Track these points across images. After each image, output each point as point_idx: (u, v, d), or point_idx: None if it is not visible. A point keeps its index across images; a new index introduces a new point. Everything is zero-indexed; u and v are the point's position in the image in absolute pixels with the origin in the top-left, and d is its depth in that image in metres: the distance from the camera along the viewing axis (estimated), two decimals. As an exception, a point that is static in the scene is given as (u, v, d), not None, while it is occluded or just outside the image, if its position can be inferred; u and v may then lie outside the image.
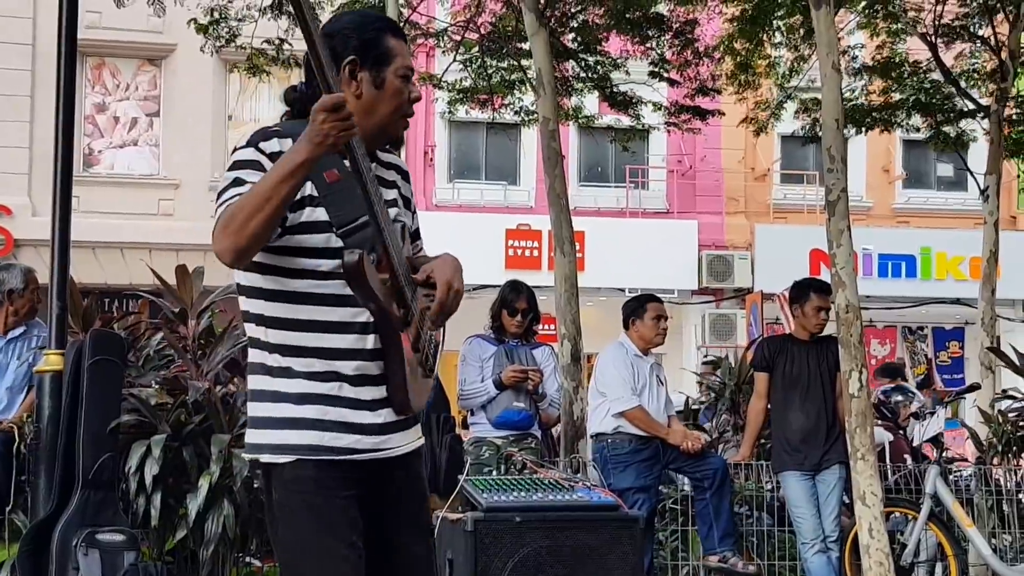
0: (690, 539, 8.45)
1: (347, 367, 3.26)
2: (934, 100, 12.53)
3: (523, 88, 12.45)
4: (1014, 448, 9.86)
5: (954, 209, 21.06)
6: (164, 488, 6.87)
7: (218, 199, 3.17)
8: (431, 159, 20.51)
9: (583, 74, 12.57)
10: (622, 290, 17.82)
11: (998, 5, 11.50)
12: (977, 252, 12.04)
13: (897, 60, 12.59)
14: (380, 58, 3.29)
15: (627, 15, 11.74)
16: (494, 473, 7.26)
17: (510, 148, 20.52)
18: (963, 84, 12.34)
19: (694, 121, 13.62)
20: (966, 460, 9.98)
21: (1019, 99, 12.60)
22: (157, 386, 7.50)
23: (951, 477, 9.18)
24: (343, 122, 2.92)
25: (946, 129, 12.82)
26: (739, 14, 12.29)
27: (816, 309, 8.27)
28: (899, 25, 12.17)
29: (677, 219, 21.20)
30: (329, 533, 3.20)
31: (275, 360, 3.27)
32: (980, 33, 11.97)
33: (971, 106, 12.22)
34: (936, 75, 12.25)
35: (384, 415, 3.31)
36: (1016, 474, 9.42)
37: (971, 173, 12.99)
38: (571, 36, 12.12)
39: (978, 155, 13.44)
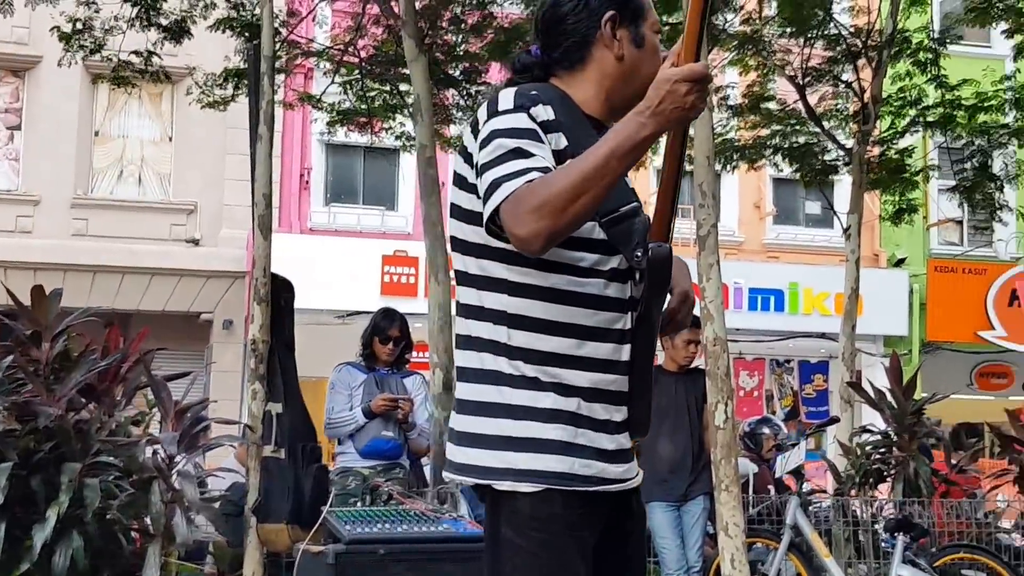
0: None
1: (603, 381, 2.82)
2: (796, 142, 12.70)
3: (403, 113, 12.27)
4: (871, 480, 10.01)
5: (821, 246, 21.36)
6: (10, 519, 6.44)
7: (489, 169, 2.69)
8: (307, 181, 20.10)
9: (463, 103, 12.41)
10: None
11: (861, 52, 11.69)
12: (841, 288, 12.20)
13: (766, 98, 12.73)
14: (637, 11, 2.91)
15: (508, 47, 11.68)
16: (359, 504, 7.10)
17: (389, 173, 20.18)
18: (828, 125, 12.51)
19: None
20: (825, 492, 10.05)
21: (881, 141, 12.80)
22: (5, 411, 7.17)
23: (811, 508, 9.24)
24: (706, 95, 2.57)
25: (812, 168, 12.95)
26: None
27: (686, 342, 8.25)
28: (768, 65, 12.29)
29: (559, 248, 21.22)
30: None
31: (518, 368, 2.79)
32: (844, 77, 12.15)
33: (834, 147, 12.40)
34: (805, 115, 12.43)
35: (625, 439, 2.88)
36: (872, 505, 9.52)
37: (835, 212, 13.16)
38: (453, 64, 12.00)
39: (843, 194, 13.65)
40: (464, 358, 2.90)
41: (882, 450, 10.35)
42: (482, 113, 2.84)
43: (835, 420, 10.62)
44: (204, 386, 14.47)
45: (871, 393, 10.56)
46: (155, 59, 11.57)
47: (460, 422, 2.88)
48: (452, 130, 13.33)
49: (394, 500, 6.94)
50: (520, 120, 2.74)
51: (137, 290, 18.75)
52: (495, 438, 2.77)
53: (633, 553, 3.00)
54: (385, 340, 7.90)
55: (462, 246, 2.90)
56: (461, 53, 11.87)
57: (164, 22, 11.24)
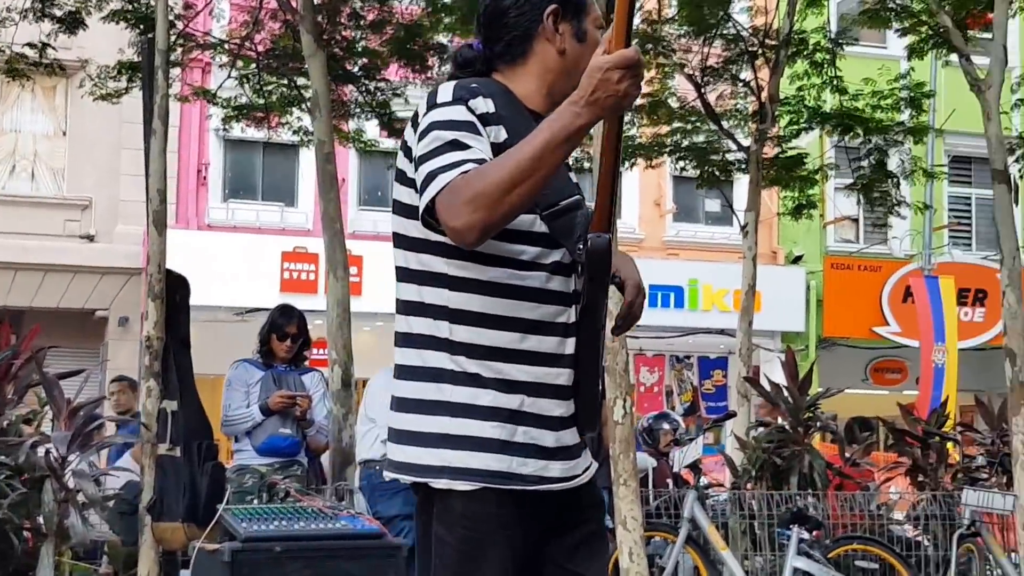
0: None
1: (547, 375, 2.80)
2: (695, 141, 12.80)
3: (301, 108, 12.13)
4: (767, 473, 10.12)
5: (720, 243, 21.50)
6: None
7: (426, 162, 2.67)
8: (204, 177, 19.70)
9: (362, 99, 12.33)
10: None
11: (759, 51, 11.81)
12: (740, 285, 12.30)
13: (665, 97, 12.81)
14: (580, 6, 2.90)
15: (407, 44, 11.67)
16: (256, 502, 7.04)
17: (288, 169, 20.00)
18: (728, 125, 12.62)
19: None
20: (723, 485, 10.14)
21: (779, 140, 12.93)
22: None
23: (708, 502, 9.32)
24: (639, 82, 2.51)
25: (711, 167, 13.05)
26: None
27: None
28: (669, 64, 12.37)
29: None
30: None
31: (459, 364, 2.76)
32: (743, 77, 12.26)
33: (733, 146, 12.50)
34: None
35: (572, 435, 2.85)
36: (768, 498, 9.61)
37: (733, 210, 13.28)
38: (352, 60, 11.91)
39: (742, 192, 13.78)
40: (404, 356, 2.88)
41: (778, 444, 10.48)
42: (422, 107, 2.83)
43: (731, 415, 10.75)
44: (99, 384, 14.21)
45: (767, 388, 10.69)
46: (49, 51, 11.34)
47: (400, 420, 2.86)
48: (350, 125, 13.23)
49: (291, 497, 6.89)
50: (458, 112, 2.73)
51: (30, 287, 18.29)
52: (433, 436, 2.75)
53: (587, 541, 2.96)
54: (283, 337, 7.83)
55: (403, 241, 2.89)
56: (360, 49, 11.75)
57: (58, 13, 11.02)
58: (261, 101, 12.29)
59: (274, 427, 7.63)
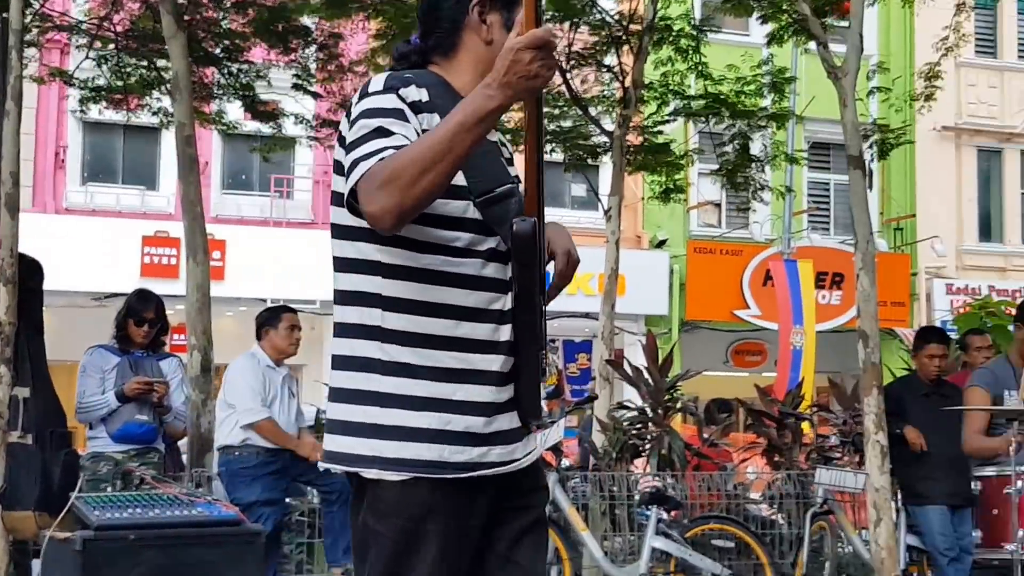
0: (315, 551, 8.32)
1: (480, 362, 2.75)
2: (561, 126, 12.85)
3: (161, 90, 11.85)
4: (627, 455, 10.24)
5: (586, 227, 21.53)
6: None
7: (353, 150, 2.65)
8: (62, 160, 19.32)
9: (224, 81, 12.17)
10: (264, 300, 16.83)
11: (624, 37, 11.89)
12: (604, 268, 12.36)
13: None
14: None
15: (271, 25, 11.52)
16: (110, 489, 6.94)
17: (149, 152, 19.60)
18: (595, 111, 12.69)
19: (335, 135, 13.38)
20: (584, 467, 10.23)
21: (643, 127, 13.04)
22: None
23: (569, 484, 9.38)
24: (552, 62, 2.47)
25: (577, 152, 13.10)
26: (383, 30, 12.22)
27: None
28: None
29: (322, 229, 20.92)
30: (426, 569, 2.72)
31: (390, 353, 2.73)
32: (607, 62, 12.32)
33: (597, 131, 12.57)
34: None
35: (510, 420, 2.80)
36: (628, 480, 9.72)
37: (597, 194, 13.35)
38: (214, 42, 11.74)
39: (608, 177, 13.85)
40: (338, 346, 2.85)
41: (638, 426, 10.60)
42: (355, 97, 2.83)
43: (593, 398, 10.81)
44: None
45: (628, 371, 10.81)
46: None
47: (333, 410, 2.84)
48: (213, 107, 13.01)
49: (147, 484, 6.78)
50: (387, 100, 2.71)
51: None
52: (365, 426, 2.72)
53: (531, 530, 2.92)
54: (140, 322, 7.67)
55: (339, 231, 2.85)
56: (222, 30, 11.58)
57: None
58: (120, 83, 11.99)
59: (130, 414, 7.49)
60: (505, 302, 2.79)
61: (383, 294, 2.75)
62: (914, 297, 24.31)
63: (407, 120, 2.68)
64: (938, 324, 18.83)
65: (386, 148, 2.58)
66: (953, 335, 11.67)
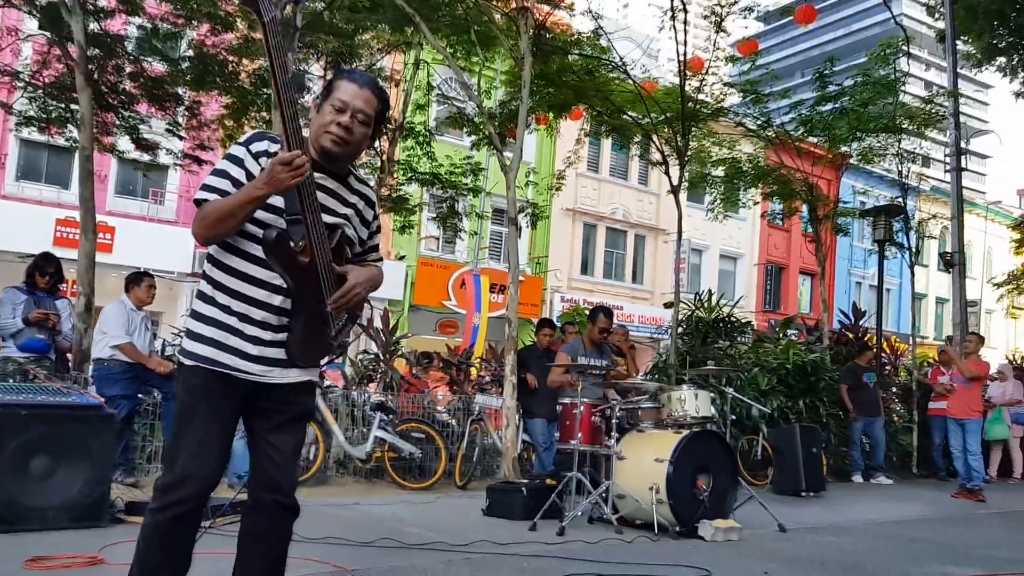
0: (156, 430, 7.69)
1: (254, 312, 2.61)
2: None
3: (73, 124, 10.98)
4: (365, 381, 9.98)
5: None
6: None
7: (206, 180, 2.60)
8: (2, 162, 18.06)
9: (119, 123, 11.33)
10: (139, 267, 16.15)
11: (383, 130, 11.58)
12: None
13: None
14: (328, 93, 2.67)
15: (154, 90, 10.89)
16: (12, 381, 6.23)
17: (64, 164, 18.17)
18: (365, 172, 12.34)
19: (194, 165, 12.54)
20: (338, 387, 9.88)
21: (391, 187, 12.74)
22: None
23: (329, 396, 9.12)
24: (295, 171, 2.42)
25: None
26: (230, 103, 11.64)
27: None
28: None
29: (182, 227, 19.61)
30: (198, 419, 2.58)
31: (208, 290, 2.66)
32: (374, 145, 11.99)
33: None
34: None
35: (272, 353, 2.64)
36: (364, 395, 9.46)
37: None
38: (114, 96, 10.92)
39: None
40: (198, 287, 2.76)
41: (373, 364, 10.36)
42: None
43: (347, 345, 10.51)
44: None
45: (371, 331, 10.58)
46: None
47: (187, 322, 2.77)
48: (112, 139, 12.08)
49: (39, 380, 6.25)
50: (236, 150, 2.64)
51: None
52: (186, 330, 2.69)
53: (284, 425, 2.72)
54: (43, 274, 7.12)
55: None
56: (120, 90, 10.85)
57: None
58: (45, 116, 11.05)
59: (31, 333, 6.93)
60: (282, 282, 2.62)
61: (213, 255, 2.67)
62: (544, 302, 24.86)
63: (241, 165, 2.60)
64: (551, 317, 19.30)
65: (212, 189, 2.56)
66: (558, 324, 11.89)
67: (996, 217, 39.49)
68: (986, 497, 9.51)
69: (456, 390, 10.57)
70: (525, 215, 14.32)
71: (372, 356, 10.63)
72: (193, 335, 2.65)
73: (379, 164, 11.68)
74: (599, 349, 7.61)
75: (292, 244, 2.56)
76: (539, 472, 8.18)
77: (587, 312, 8.47)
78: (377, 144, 11.76)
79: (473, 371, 11.61)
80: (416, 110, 12.39)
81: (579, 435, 6.33)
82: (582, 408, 6.39)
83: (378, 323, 10.74)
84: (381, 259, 3.00)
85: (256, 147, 2.62)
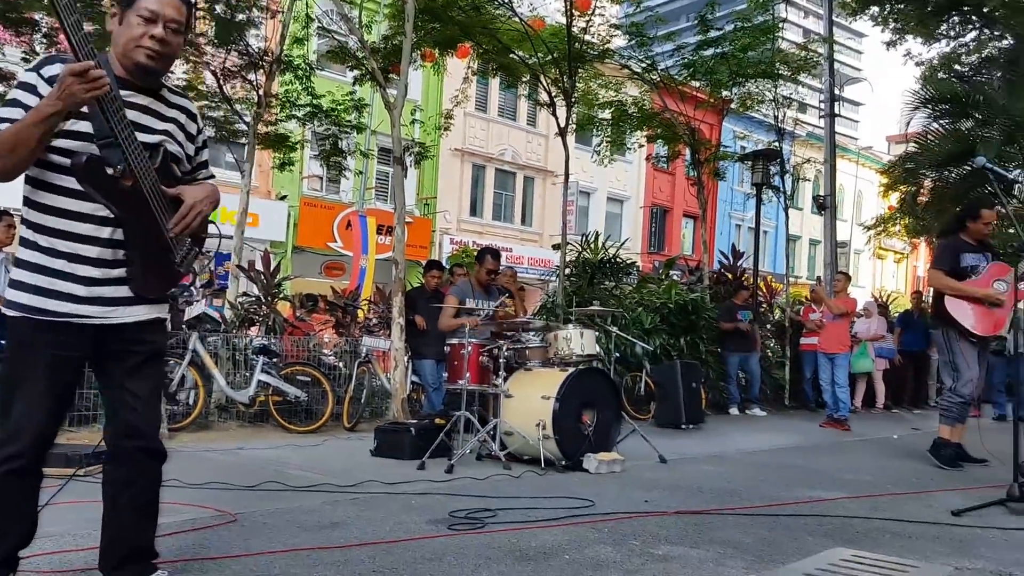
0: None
1: (85, 250, 2.44)
2: (215, 116, 11.93)
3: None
4: (247, 324, 9.76)
5: (234, 183, 20.53)
6: None
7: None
8: None
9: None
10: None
11: (261, 63, 11.13)
12: (251, 209, 11.61)
13: (198, 84, 11.81)
14: (126, 2, 2.47)
15: (8, 14, 10.14)
16: None
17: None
18: (241, 108, 11.82)
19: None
20: (219, 330, 9.63)
21: (268, 123, 12.29)
22: None
23: (208, 340, 8.87)
24: (91, 83, 2.23)
25: (226, 132, 12.17)
26: (92, 31, 10.85)
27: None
28: (200, 62, 11.38)
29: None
30: (29, 371, 2.43)
31: (29, 235, 2.46)
32: (251, 77, 11.47)
33: (240, 122, 11.70)
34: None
35: (111, 292, 2.49)
36: (246, 338, 9.25)
37: (238, 162, 12.47)
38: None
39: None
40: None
41: (255, 306, 10.12)
42: None
43: (225, 288, 10.24)
44: None
45: (251, 273, 10.33)
46: None
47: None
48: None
49: None
50: (27, 77, 2.42)
51: None
52: (11, 280, 2.49)
53: (139, 368, 2.60)
54: None
55: None
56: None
57: None
58: None
59: None
60: (108, 212, 2.46)
61: (27, 196, 2.48)
62: (433, 244, 24.74)
63: (34, 92, 2.38)
64: (440, 259, 19.24)
65: (4, 119, 2.34)
66: (447, 265, 11.86)
67: (867, 162, 41.42)
68: (851, 426, 10.12)
69: (343, 332, 10.46)
70: (411, 154, 14.11)
71: (253, 299, 10.37)
72: (16, 283, 2.47)
73: (256, 99, 11.23)
74: (487, 290, 7.64)
75: (109, 170, 2.41)
76: (428, 412, 8.23)
77: (475, 253, 8.48)
78: (253, 77, 11.32)
79: (360, 313, 11.52)
80: (294, 43, 11.91)
81: (467, 375, 6.38)
82: (470, 348, 6.43)
83: (259, 265, 10.48)
84: (213, 176, 2.86)
85: (49, 71, 2.41)
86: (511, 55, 12.89)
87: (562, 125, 12.58)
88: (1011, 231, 5.23)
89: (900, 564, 3.35)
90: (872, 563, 3.35)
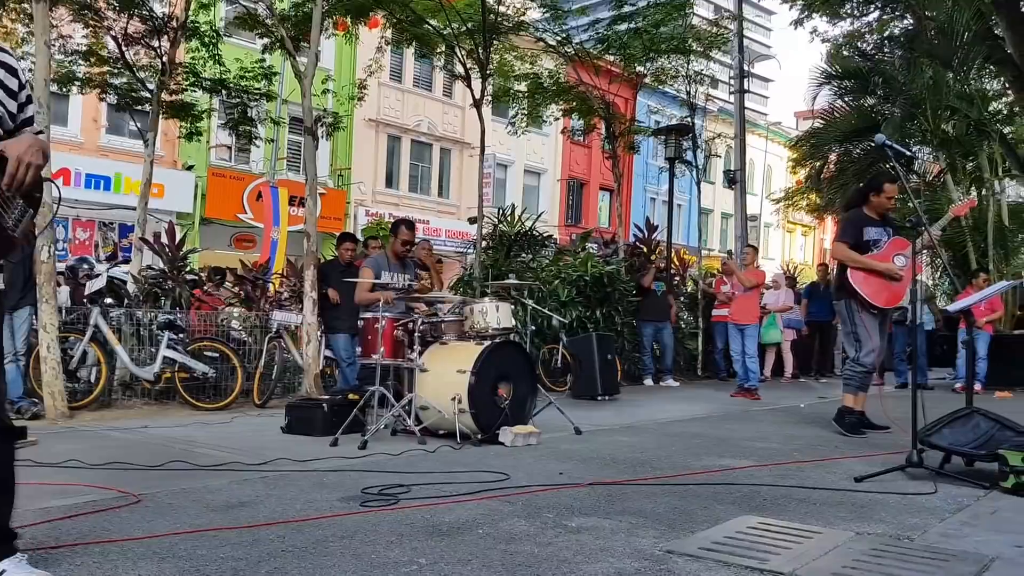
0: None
1: None
2: (119, 81, 11.41)
3: None
4: (151, 298, 9.46)
5: (138, 151, 19.54)
6: None
7: None
8: None
9: None
10: None
11: (165, 29, 10.68)
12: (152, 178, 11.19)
13: (99, 49, 11.27)
14: None
15: None
16: None
17: None
18: (143, 75, 11.35)
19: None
20: (121, 304, 9.27)
21: (171, 91, 11.82)
22: None
23: (110, 314, 8.58)
24: None
25: (128, 100, 11.65)
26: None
27: None
28: (101, 27, 10.86)
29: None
30: None
31: None
32: (154, 44, 11.01)
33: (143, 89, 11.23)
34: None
35: None
36: (150, 313, 8.96)
37: (140, 130, 12.00)
38: None
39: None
40: None
41: (160, 280, 9.81)
42: None
43: (128, 260, 9.88)
44: None
45: (156, 245, 10.00)
46: None
47: None
48: None
49: None
50: None
51: None
52: None
53: None
54: None
55: None
56: None
57: None
58: None
59: None
60: None
61: None
62: (347, 216, 24.37)
63: None
64: (355, 231, 19.00)
65: None
66: (361, 238, 11.70)
67: (776, 137, 42.45)
68: (761, 395, 10.41)
69: (253, 306, 10.22)
70: (323, 125, 13.81)
71: (158, 272, 10.04)
72: None
73: (160, 66, 10.80)
74: (402, 263, 7.56)
75: None
76: (342, 388, 8.12)
77: (390, 226, 8.37)
78: (157, 44, 10.88)
79: (272, 287, 11.27)
80: (200, 8, 11.47)
81: (382, 349, 6.30)
82: (384, 323, 6.35)
83: (164, 238, 10.14)
84: (41, 132, 2.72)
85: None
86: (425, 25, 12.70)
87: (478, 97, 12.48)
88: (910, 206, 5.40)
89: (805, 530, 3.44)
90: (778, 530, 3.44)
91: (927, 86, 14.48)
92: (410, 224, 7.65)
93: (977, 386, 11.86)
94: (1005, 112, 19.06)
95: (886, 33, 18.64)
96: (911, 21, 17.56)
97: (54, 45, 9.80)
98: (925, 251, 7.00)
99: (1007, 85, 17.46)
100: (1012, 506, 4.08)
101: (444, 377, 6.15)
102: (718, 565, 2.90)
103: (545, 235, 13.46)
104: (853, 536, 3.37)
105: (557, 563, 2.89)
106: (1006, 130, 17.41)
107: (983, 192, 14.99)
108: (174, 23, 10.59)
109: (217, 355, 8.63)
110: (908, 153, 7.25)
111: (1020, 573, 2.90)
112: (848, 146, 16.43)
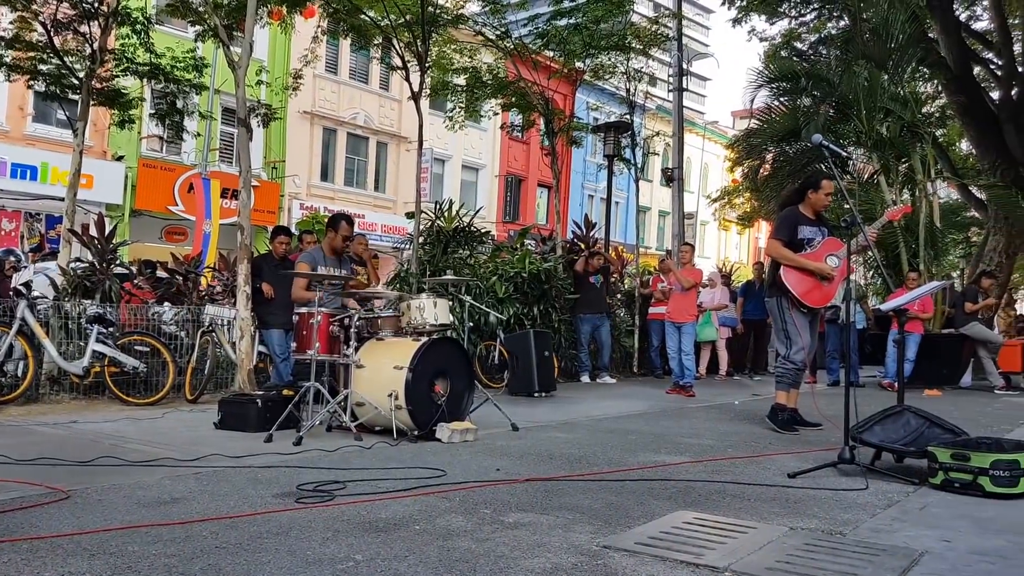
0: None
1: None
2: (45, 68, 11.06)
3: None
4: (80, 292, 9.24)
5: (67, 140, 19.07)
6: None
7: None
8: None
9: None
10: None
11: (95, 14, 10.40)
12: (85, 170, 10.88)
13: (27, 35, 10.90)
14: None
15: None
16: None
17: None
18: (71, 60, 11.03)
19: None
20: (46, 297, 9.04)
21: (102, 79, 11.51)
22: None
23: (39, 307, 8.37)
24: None
25: (56, 87, 11.31)
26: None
27: None
28: (28, 14, 10.52)
29: None
30: None
31: None
32: (82, 30, 10.70)
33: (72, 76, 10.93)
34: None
35: None
36: (79, 307, 8.75)
37: (69, 119, 11.66)
38: None
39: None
40: None
41: (89, 273, 9.58)
42: None
43: (53, 255, 9.61)
44: None
45: (84, 237, 9.75)
46: None
47: None
48: None
49: None
50: None
51: None
52: None
53: None
54: None
55: None
56: None
57: None
58: None
59: None
60: None
61: None
62: (282, 209, 24.06)
63: None
64: (290, 225, 18.78)
65: None
66: (296, 232, 11.60)
67: (713, 136, 43.15)
68: (696, 392, 10.61)
69: (184, 300, 10.05)
70: (256, 116, 13.62)
71: (87, 265, 9.80)
72: None
73: (89, 53, 10.52)
74: (339, 258, 7.52)
75: None
76: (276, 383, 8.05)
77: (326, 219, 8.31)
78: (87, 29, 10.59)
79: (204, 281, 11.08)
80: (130, -5, 11.25)
81: (317, 345, 6.27)
82: (319, 318, 6.32)
83: (93, 230, 9.90)
84: None
85: None
86: (362, 16, 12.60)
87: (416, 90, 12.44)
88: (845, 207, 5.57)
89: (740, 525, 3.53)
90: (713, 525, 3.52)
91: (862, 87, 14.86)
92: (350, 219, 7.61)
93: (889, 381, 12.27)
94: (938, 115, 19.67)
95: (823, 33, 19.07)
96: (847, 22, 17.99)
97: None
98: (859, 252, 7.20)
99: (940, 88, 18.01)
100: (941, 502, 4.23)
101: (381, 373, 6.14)
102: (654, 560, 2.96)
103: (483, 231, 13.48)
104: (787, 531, 3.45)
105: (494, 559, 2.93)
106: (938, 133, 17.97)
107: (916, 193, 15.46)
108: (105, 8, 10.32)
109: (147, 349, 8.49)
110: (844, 153, 7.47)
111: (948, 567, 2.99)
112: (784, 146, 16.79)
